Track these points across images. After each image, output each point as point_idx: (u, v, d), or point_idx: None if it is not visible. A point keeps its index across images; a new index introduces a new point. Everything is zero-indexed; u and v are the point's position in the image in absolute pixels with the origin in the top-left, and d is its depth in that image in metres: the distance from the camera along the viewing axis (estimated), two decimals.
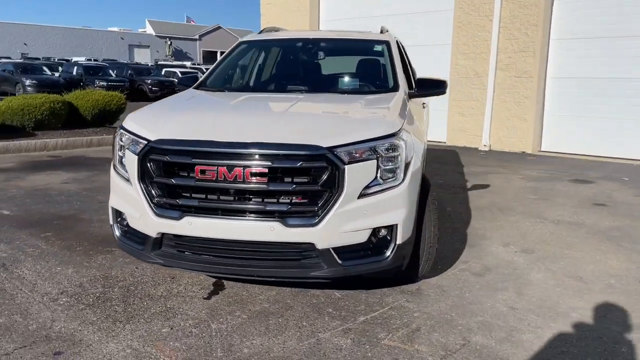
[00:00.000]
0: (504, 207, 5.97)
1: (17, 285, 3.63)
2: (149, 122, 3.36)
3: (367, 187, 3.04)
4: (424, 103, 5.08)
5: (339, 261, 3.04)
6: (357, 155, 3.01)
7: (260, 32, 5.23)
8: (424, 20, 11.65)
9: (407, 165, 3.19)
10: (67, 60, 36.73)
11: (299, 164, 2.93)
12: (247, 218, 3.01)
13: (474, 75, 10.94)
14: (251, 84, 4.73)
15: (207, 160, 2.99)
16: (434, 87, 4.38)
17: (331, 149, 2.95)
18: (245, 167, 2.94)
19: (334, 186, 2.95)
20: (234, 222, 3.01)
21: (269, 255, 3.07)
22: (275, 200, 2.99)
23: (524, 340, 2.99)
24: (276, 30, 5.27)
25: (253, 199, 3.00)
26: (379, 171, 3.08)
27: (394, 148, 3.12)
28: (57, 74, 25.13)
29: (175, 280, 3.74)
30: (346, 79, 4.68)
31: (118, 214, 3.44)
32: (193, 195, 3.08)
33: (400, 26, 11.82)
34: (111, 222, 3.52)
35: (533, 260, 4.30)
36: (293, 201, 3.00)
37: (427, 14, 11.63)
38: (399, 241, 3.14)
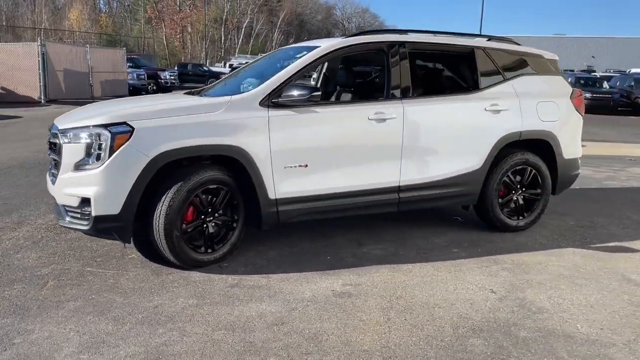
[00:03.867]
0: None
1: None
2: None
3: (79, 163, 3.93)
4: (384, 117, 4.51)
5: (65, 217, 4.10)
6: (74, 137, 3.96)
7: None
8: None
9: (114, 151, 3.81)
10: (623, 72, 35.37)
11: (51, 140, 4.19)
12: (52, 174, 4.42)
13: None
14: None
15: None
16: (298, 93, 4.19)
17: (61, 130, 4.05)
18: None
19: (62, 158, 4.04)
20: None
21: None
22: (54, 164, 4.30)
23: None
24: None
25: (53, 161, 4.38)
26: (92, 153, 3.90)
27: (97, 136, 3.85)
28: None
29: None
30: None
31: None
32: None
33: None
34: None
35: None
36: (54, 165, 4.24)
37: None
38: (94, 214, 3.86)
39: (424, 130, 4.75)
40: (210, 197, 4.15)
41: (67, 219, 4.07)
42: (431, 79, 5.65)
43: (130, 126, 3.86)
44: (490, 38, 5.42)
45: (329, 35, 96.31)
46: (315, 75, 6.03)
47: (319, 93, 4.24)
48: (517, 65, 5.27)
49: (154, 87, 26.29)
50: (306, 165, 4.34)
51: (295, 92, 4.21)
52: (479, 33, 4.72)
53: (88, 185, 3.87)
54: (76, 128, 3.98)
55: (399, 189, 4.71)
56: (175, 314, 3.39)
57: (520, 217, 5.29)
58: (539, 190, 5.31)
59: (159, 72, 28.01)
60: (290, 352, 2.97)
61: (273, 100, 4.24)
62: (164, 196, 3.93)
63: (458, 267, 4.32)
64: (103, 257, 4.35)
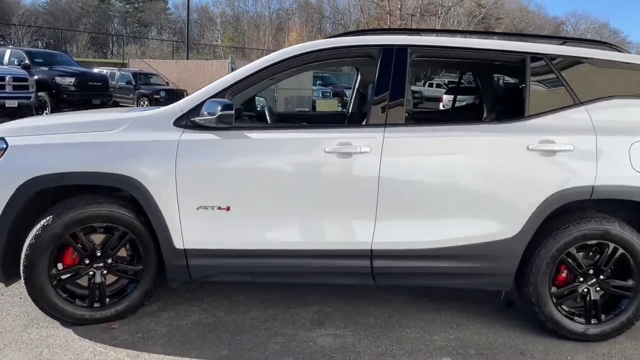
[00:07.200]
0: None
1: None
2: None
3: None
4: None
5: None
6: None
7: None
8: None
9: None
10: None
11: None
12: None
13: None
14: None
15: None
16: (209, 112, 3.09)
17: None
18: None
19: None
20: None
21: None
22: None
23: None
24: None
25: None
26: None
27: None
28: None
29: None
30: None
31: None
32: None
33: None
34: None
35: None
36: None
37: None
38: None
39: (414, 173, 3.22)
40: (107, 238, 3.27)
41: None
42: (448, 100, 4.01)
43: (6, 143, 3.18)
44: (565, 41, 3.60)
45: None
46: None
47: (232, 112, 3.06)
48: (605, 82, 3.34)
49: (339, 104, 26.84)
50: (228, 208, 3.19)
51: (212, 110, 3.11)
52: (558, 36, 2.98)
53: None
54: None
55: (371, 254, 3.24)
56: None
57: (594, 321, 3.34)
58: (630, 283, 3.30)
59: (344, 90, 28.32)
60: None
61: (192, 120, 3.20)
62: (30, 232, 3.16)
63: None
64: None
